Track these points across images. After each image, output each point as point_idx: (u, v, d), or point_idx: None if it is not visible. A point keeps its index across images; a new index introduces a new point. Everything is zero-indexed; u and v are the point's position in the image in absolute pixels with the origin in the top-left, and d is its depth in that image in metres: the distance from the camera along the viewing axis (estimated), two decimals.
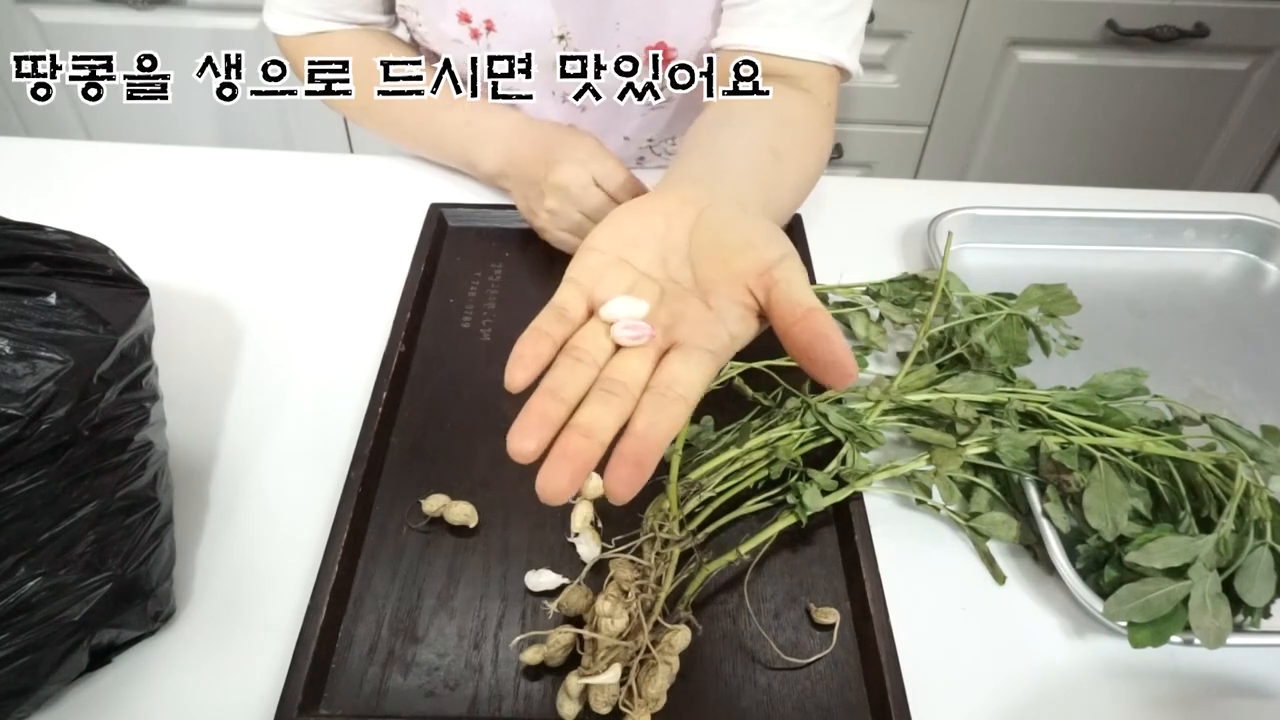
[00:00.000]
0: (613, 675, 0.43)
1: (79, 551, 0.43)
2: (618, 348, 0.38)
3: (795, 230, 0.74)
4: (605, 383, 0.36)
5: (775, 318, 0.38)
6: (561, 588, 0.51)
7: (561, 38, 0.76)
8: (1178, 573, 0.48)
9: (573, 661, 0.47)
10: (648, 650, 0.45)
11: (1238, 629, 0.49)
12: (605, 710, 0.44)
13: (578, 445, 0.33)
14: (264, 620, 0.51)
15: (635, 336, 0.38)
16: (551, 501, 0.32)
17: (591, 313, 0.39)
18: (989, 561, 0.55)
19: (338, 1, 0.77)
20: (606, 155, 0.69)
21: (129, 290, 0.47)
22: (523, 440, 0.33)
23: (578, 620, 0.49)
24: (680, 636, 0.46)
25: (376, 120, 0.83)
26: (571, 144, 0.69)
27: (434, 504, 0.54)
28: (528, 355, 0.36)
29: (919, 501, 0.58)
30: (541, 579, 0.51)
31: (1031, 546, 0.56)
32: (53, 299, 0.43)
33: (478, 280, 0.72)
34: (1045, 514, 0.53)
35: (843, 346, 0.36)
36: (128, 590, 0.46)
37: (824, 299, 0.68)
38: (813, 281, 0.70)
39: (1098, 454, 0.53)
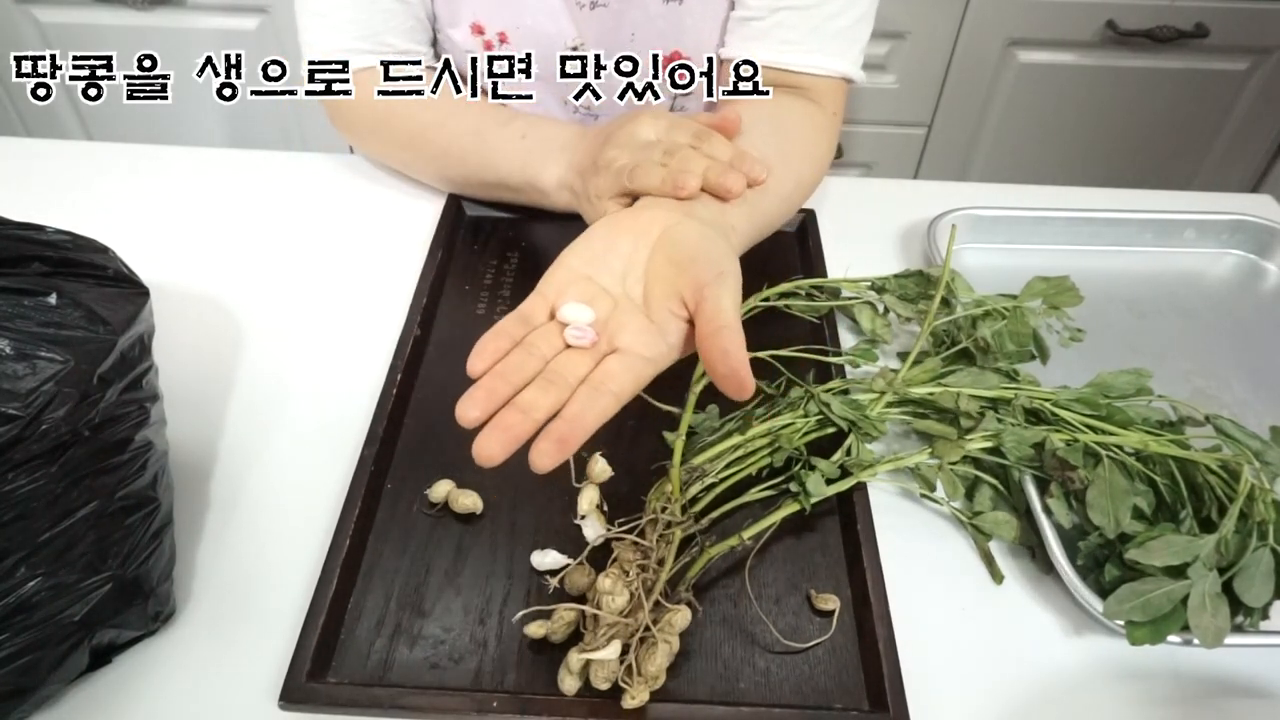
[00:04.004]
0: (612, 651, 0.44)
1: (79, 551, 0.43)
2: (567, 347, 0.43)
3: (810, 228, 0.75)
4: (548, 373, 0.41)
5: (696, 329, 0.43)
6: (566, 567, 0.52)
7: (576, 49, 0.76)
8: (1178, 572, 0.48)
9: (575, 639, 0.48)
10: (648, 629, 0.46)
11: (1237, 629, 0.49)
12: (605, 686, 0.45)
13: (512, 419, 0.39)
14: (264, 619, 0.51)
15: (579, 337, 0.43)
16: (484, 464, 0.38)
17: (552, 317, 0.45)
18: (988, 560, 0.55)
19: (378, 28, 0.73)
20: (668, 113, 0.61)
21: (129, 290, 0.47)
22: (468, 409, 0.38)
23: (581, 600, 0.50)
24: (680, 616, 0.47)
25: (424, 155, 0.77)
26: (628, 115, 0.61)
27: (440, 491, 0.56)
28: (487, 350, 0.41)
29: (923, 496, 0.58)
30: (547, 559, 0.52)
31: (1031, 547, 0.56)
32: (53, 299, 0.43)
33: (494, 268, 0.73)
34: (1047, 510, 0.54)
35: (740, 363, 0.40)
36: (128, 590, 0.46)
37: (835, 293, 0.68)
38: (824, 275, 0.71)
39: (1102, 452, 0.53)
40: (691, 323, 0.44)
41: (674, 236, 0.47)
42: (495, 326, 0.42)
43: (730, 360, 0.40)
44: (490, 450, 0.38)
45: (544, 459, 0.38)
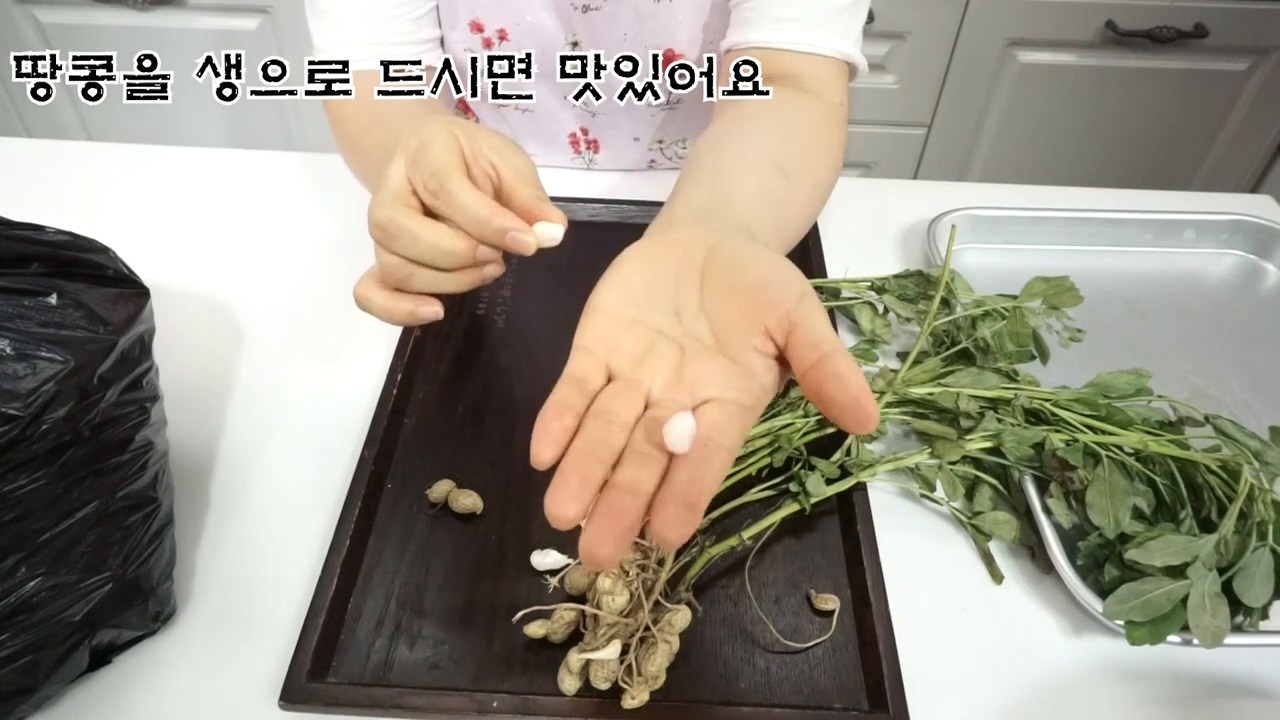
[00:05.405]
0: (612, 651, 0.44)
1: (79, 551, 0.43)
2: (645, 408, 0.36)
3: (809, 229, 0.74)
4: (636, 444, 0.35)
5: (793, 361, 0.36)
6: (566, 567, 0.52)
7: (575, 44, 0.76)
8: (1177, 572, 0.48)
9: (575, 639, 0.48)
10: (648, 629, 0.46)
11: (1236, 629, 0.49)
12: (605, 686, 0.45)
13: (622, 503, 0.32)
14: (264, 619, 0.51)
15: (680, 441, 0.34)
16: (598, 567, 0.33)
17: (610, 379, 0.38)
18: (988, 560, 0.55)
19: (382, 19, 0.70)
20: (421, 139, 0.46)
21: (129, 290, 0.47)
22: (566, 506, 0.32)
23: (581, 600, 0.50)
24: (680, 616, 0.47)
25: (342, 144, 0.72)
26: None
27: (440, 490, 0.56)
28: (554, 429, 0.34)
29: (923, 495, 0.58)
30: (547, 559, 0.52)
31: (1031, 547, 0.56)
32: (53, 299, 0.43)
33: None
34: (1047, 510, 0.54)
35: (860, 388, 0.34)
36: (128, 590, 0.46)
37: (835, 293, 0.68)
38: (824, 275, 0.71)
39: (1102, 452, 0.53)
40: (779, 358, 0.37)
41: (725, 260, 0.40)
42: (551, 400, 0.35)
43: (848, 386, 0.34)
44: (604, 550, 0.31)
45: (675, 528, 0.31)
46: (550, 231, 0.45)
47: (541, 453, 0.33)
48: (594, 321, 0.39)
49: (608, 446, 0.34)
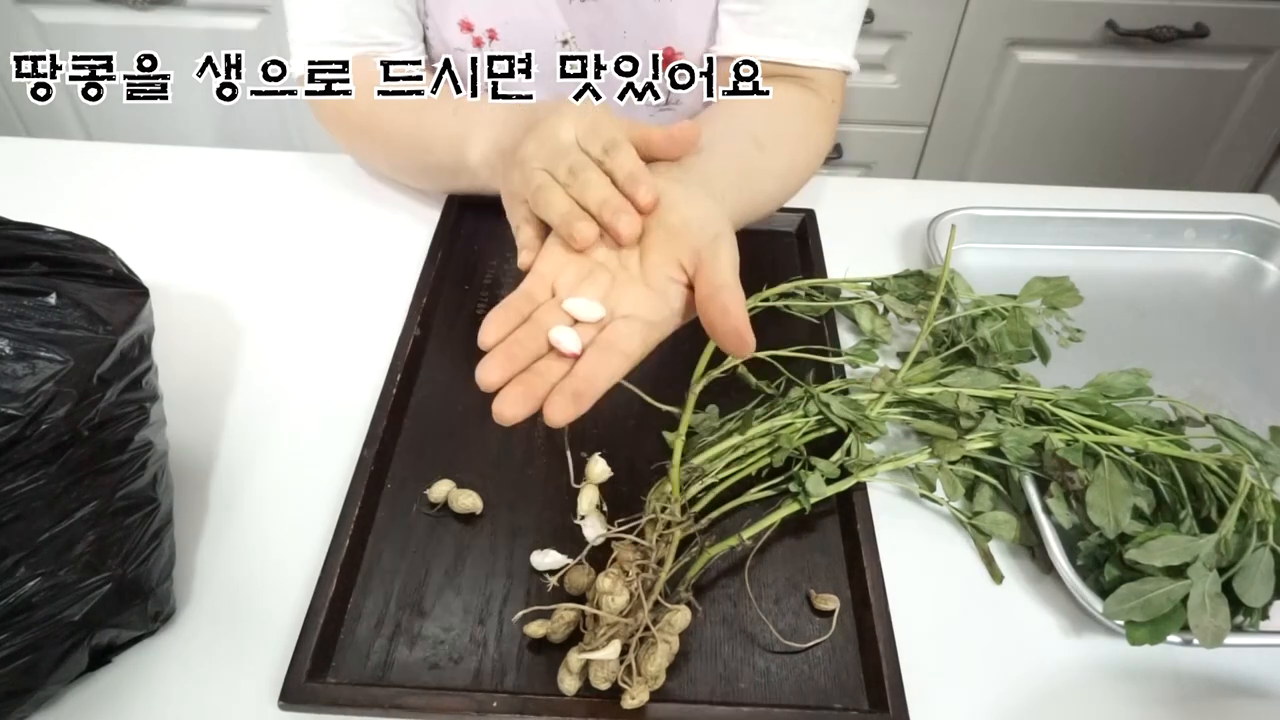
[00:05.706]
0: (612, 651, 0.44)
1: (79, 551, 0.43)
2: (575, 322, 0.45)
3: (810, 228, 0.75)
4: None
5: (696, 291, 0.44)
6: (566, 567, 0.52)
7: (566, 43, 0.76)
8: (1177, 572, 0.48)
9: (575, 639, 0.48)
10: (648, 629, 0.46)
11: (1237, 629, 0.49)
12: (604, 686, 0.45)
13: (532, 380, 0.41)
14: (264, 619, 0.51)
15: (567, 342, 0.43)
16: (505, 423, 0.39)
17: (553, 295, 0.46)
18: (988, 560, 0.55)
19: (359, 16, 0.72)
20: (594, 110, 0.55)
21: (129, 290, 0.47)
22: (489, 372, 0.40)
23: (581, 600, 0.50)
24: (680, 616, 0.47)
25: (374, 143, 0.77)
26: (554, 105, 0.56)
27: (440, 491, 0.56)
28: (496, 320, 0.43)
29: (923, 496, 0.58)
30: (547, 559, 0.52)
31: (1031, 547, 0.56)
32: (53, 299, 0.43)
33: (493, 268, 0.73)
34: (1047, 510, 0.54)
35: (740, 319, 0.42)
36: (128, 590, 0.46)
37: (835, 293, 0.68)
38: (824, 275, 0.71)
39: (1102, 452, 0.53)
40: (692, 287, 0.45)
41: (664, 202, 0.48)
42: (503, 302, 0.44)
43: (730, 319, 0.42)
44: (514, 409, 0.39)
45: (559, 413, 0.39)
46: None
47: (485, 336, 0.42)
48: (548, 250, 0.48)
49: (535, 341, 0.43)
